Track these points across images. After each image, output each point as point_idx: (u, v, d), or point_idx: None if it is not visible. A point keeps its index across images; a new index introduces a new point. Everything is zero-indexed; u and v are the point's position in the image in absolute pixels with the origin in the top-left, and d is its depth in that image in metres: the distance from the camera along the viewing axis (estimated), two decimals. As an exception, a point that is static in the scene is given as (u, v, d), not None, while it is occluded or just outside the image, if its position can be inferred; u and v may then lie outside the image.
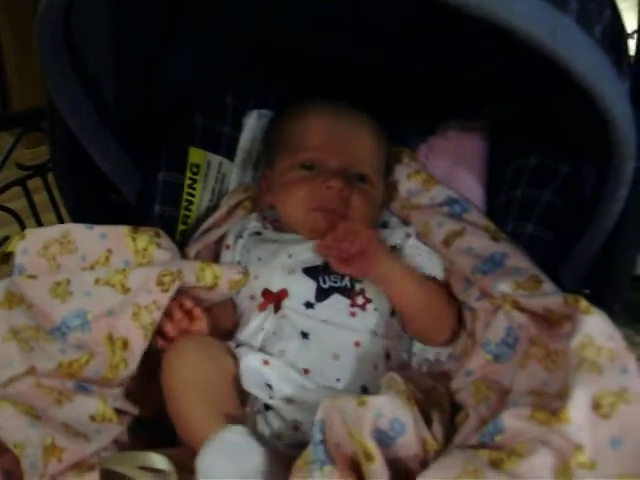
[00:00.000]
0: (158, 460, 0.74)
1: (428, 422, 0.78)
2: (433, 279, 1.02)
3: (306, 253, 1.02)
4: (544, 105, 1.01)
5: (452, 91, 1.10)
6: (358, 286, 0.99)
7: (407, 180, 1.15)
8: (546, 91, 0.94)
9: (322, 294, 0.98)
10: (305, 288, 0.98)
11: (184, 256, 1.06)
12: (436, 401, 0.83)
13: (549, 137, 1.05)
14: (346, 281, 0.99)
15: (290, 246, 1.04)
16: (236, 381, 0.90)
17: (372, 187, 1.08)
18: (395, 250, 1.05)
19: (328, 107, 1.12)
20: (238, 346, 0.95)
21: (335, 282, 0.99)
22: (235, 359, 0.93)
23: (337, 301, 0.97)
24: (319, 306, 0.97)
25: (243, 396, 0.91)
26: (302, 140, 1.10)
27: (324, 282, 0.98)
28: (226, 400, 0.87)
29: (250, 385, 0.91)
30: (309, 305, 0.97)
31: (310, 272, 1.00)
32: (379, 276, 0.94)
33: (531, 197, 1.04)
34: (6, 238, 1.30)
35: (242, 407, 0.89)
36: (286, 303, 0.98)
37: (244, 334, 0.98)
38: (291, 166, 1.09)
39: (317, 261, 1.01)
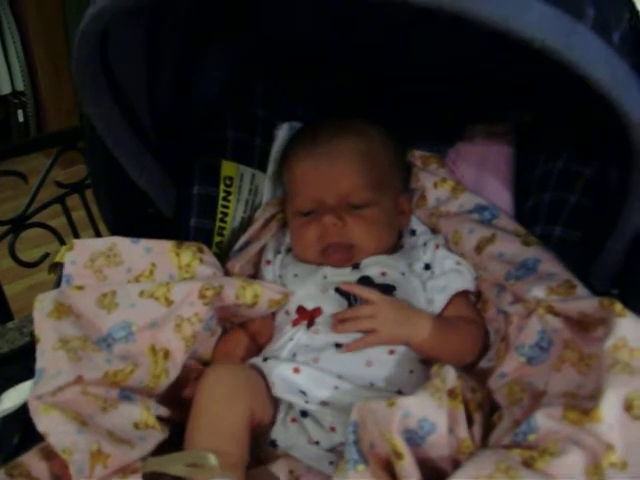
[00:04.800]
0: (204, 456, 0.75)
1: (470, 423, 0.79)
2: (460, 295, 1.05)
3: (340, 277, 1.05)
4: (566, 108, 1.02)
5: (477, 96, 1.11)
6: None
7: (434, 188, 1.16)
8: (567, 95, 0.94)
9: None
10: (337, 306, 1.01)
11: (227, 271, 1.08)
12: (479, 402, 0.84)
13: (574, 140, 1.05)
14: None
15: (326, 268, 1.07)
16: (252, 418, 0.88)
17: (374, 208, 1.08)
18: (427, 269, 1.07)
19: (306, 146, 1.12)
20: (265, 359, 0.97)
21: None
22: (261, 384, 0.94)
23: None
24: None
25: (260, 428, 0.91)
26: (292, 189, 1.15)
27: (355, 300, 1.00)
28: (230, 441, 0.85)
29: (283, 392, 0.93)
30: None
31: (342, 291, 1.02)
32: (397, 341, 0.97)
33: (558, 200, 1.05)
34: (46, 255, 1.34)
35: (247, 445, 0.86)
36: (319, 320, 1.00)
37: (273, 346, 1.01)
38: (293, 215, 1.13)
39: (350, 281, 1.03)
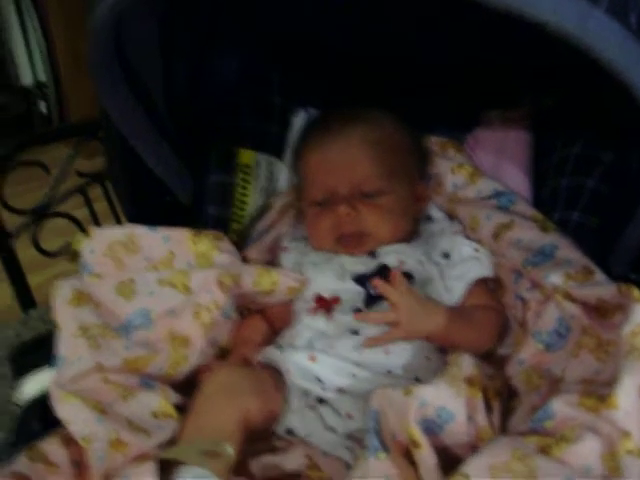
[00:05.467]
0: (221, 445, 0.76)
1: (488, 410, 0.78)
2: (479, 283, 1.04)
3: (358, 266, 1.04)
4: (584, 93, 1.01)
5: (493, 81, 1.09)
6: None
7: (452, 174, 1.16)
8: (585, 79, 0.93)
9: (371, 301, 1.00)
10: (355, 295, 1.01)
11: (244, 259, 1.09)
12: (497, 389, 0.83)
13: (592, 125, 1.04)
14: None
15: (343, 257, 1.07)
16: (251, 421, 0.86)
17: (388, 196, 1.07)
18: (446, 257, 1.07)
19: (317, 136, 1.12)
20: (281, 348, 0.98)
21: None
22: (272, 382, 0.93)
23: (386, 307, 0.96)
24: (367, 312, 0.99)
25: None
26: (305, 179, 1.14)
27: (373, 289, 1.00)
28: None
29: (299, 380, 0.93)
30: (358, 311, 0.99)
31: (360, 280, 1.02)
32: (419, 335, 0.95)
33: (576, 185, 1.04)
34: (68, 245, 1.35)
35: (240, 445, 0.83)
36: (336, 308, 1.00)
37: (290, 333, 1.01)
38: (307, 204, 1.13)
39: (367, 270, 1.03)
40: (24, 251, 1.34)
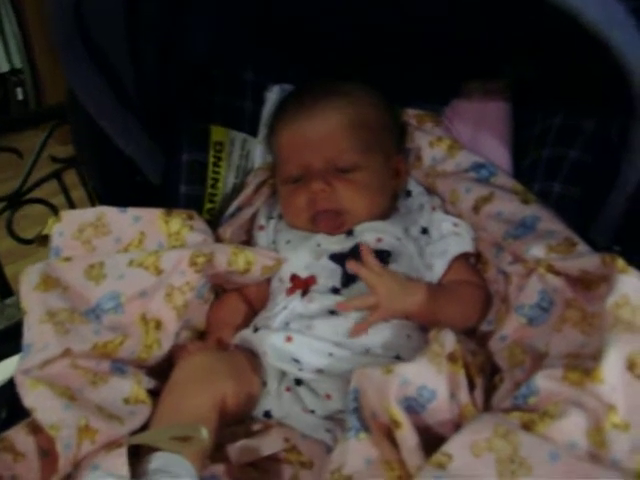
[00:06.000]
0: (195, 429, 0.73)
1: (471, 387, 0.77)
2: (459, 258, 1.03)
3: (334, 245, 1.02)
4: (564, 62, 0.98)
5: (472, 52, 1.06)
6: None
7: (430, 147, 1.13)
8: (565, 48, 0.91)
9: (348, 280, 0.98)
10: (331, 274, 0.98)
11: (218, 238, 1.06)
12: (480, 366, 0.82)
13: (573, 95, 1.02)
14: None
15: (319, 235, 1.04)
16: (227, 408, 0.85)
17: (363, 171, 1.05)
18: (424, 233, 1.05)
19: (291, 111, 1.10)
20: (256, 330, 0.95)
21: None
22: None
23: (363, 286, 0.95)
24: (345, 291, 0.97)
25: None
26: (279, 155, 1.12)
27: (349, 269, 0.97)
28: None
29: (275, 361, 0.91)
30: (335, 291, 0.97)
31: (336, 258, 1.00)
32: (400, 314, 0.94)
33: (557, 156, 1.02)
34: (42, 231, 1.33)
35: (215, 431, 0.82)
36: (313, 288, 0.98)
37: (266, 314, 0.99)
38: (281, 181, 1.11)
39: (344, 249, 1.01)
40: (0, 241, 1.32)
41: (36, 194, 1.34)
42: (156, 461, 0.71)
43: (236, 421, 0.87)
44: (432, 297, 0.94)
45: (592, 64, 0.79)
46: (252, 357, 0.93)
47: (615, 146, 0.92)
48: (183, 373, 0.85)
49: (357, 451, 0.71)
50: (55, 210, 1.37)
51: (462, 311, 0.98)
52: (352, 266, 0.93)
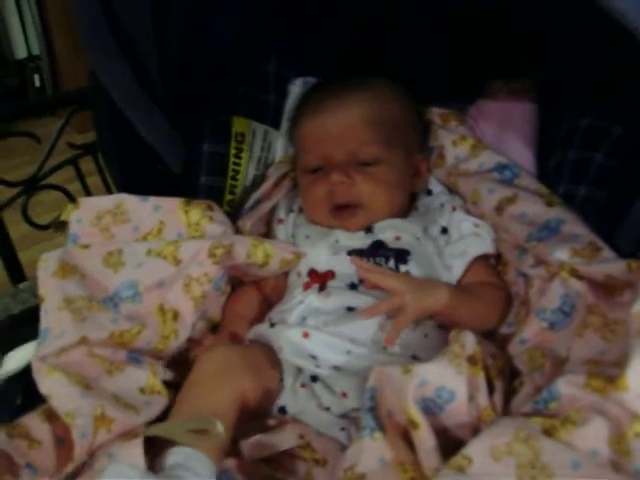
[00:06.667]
0: (210, 423, 0.72)
1: (490, 390, 0.76)
2: (479, 259, 1.01)
3: (353, 242, 1.01)
4: (592, 65, 0.97)
5: (499, 52, 1.05)
6: (403, 268, 0.98)
7: (453, 146, 1.12)
8: (595, 50, 0.90)
9: None
10: (349, 270, 0.97)
11: (238, 230, 1.06)
12: (500, 368, 0.81)
13: (601, 98, 1.00)
14: (391, 263, 0.98)
15: (338, 232, 1.03)
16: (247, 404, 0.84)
17: (384, 165, 1.04)
18: (444, 233, 1.04)
19: (314, 102, 1.09)
20: (273, 325, 0.95)
21: (380, 265, 0.98)
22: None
23: None
24: (363, 288, 0.96)
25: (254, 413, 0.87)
26: (301, 147, 1.12)
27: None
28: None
29: (292, 357, 0.90)
30: (353, 286, 0.96)
31: (354, 254, 0.99)
32: (425, 314, 0.92)
33: (583, 159, 1.01)
34: (58, 217, 1.33)
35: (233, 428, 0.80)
36: (331, 283, 0.97)
37: (282, 308, 0.98)
38: (302, 172, 1.10)
39: (363, 245, 1.00)
40: (16, 226, 1.32)
41: (52, 181, 1.35)
42: (176, 455, 0.71)
43: (253, 417, 0.86)
44: (455, 296, 0.92)
45: (620, 67, 0.78)
46: (270, 352, 0.92)
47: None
48: (204, 368, 0.84)
49: (371, 450, 0.70)
50: (71, 197, 1.37)
51: (483, 311, 0.97)
52: (361, 273, 0.92)
